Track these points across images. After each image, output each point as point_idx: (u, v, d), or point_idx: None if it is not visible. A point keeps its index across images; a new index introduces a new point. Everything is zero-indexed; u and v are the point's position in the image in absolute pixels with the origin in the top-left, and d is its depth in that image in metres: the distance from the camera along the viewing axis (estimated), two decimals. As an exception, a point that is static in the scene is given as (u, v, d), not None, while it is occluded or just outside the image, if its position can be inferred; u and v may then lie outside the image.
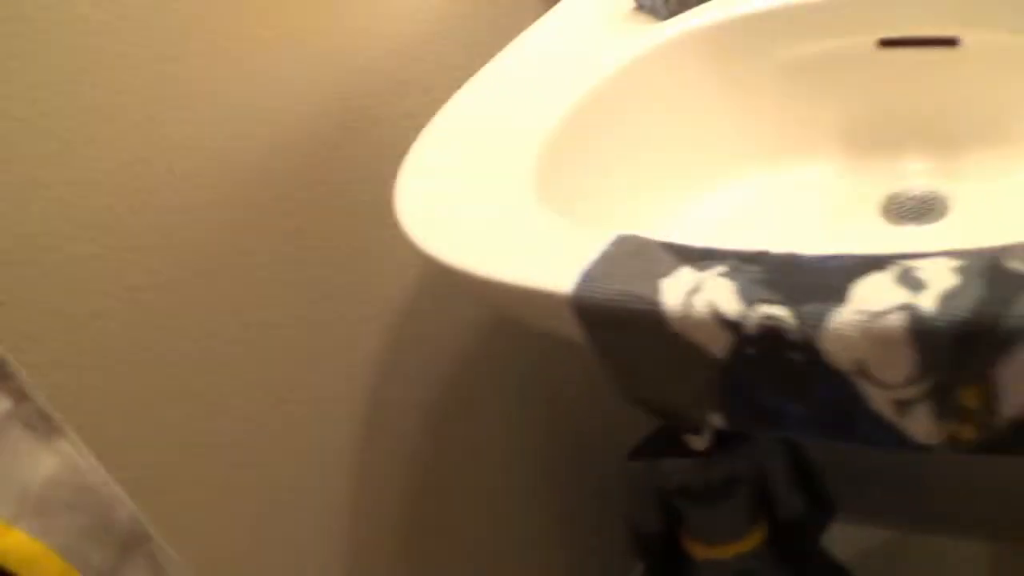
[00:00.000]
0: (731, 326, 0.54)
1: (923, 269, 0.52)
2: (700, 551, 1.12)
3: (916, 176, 0.88)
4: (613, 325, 0.58)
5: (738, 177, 0.89)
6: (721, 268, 0.56)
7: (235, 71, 0.77)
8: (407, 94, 0.92)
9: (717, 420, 0.60)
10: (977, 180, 0.85)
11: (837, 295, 0.52)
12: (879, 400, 0.53)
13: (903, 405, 0.53)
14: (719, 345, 0.55)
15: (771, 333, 0.53)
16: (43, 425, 0.54)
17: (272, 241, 0.82)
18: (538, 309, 0.63)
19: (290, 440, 0.85)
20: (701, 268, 0.57)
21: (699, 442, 1.03)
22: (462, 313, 1.03)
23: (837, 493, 1.19)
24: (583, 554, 1.29)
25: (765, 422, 0.58)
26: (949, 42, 0.85)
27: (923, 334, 0.50)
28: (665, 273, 0.57)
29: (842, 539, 1.27)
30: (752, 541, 1.10)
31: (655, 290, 0.56)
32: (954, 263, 0.52)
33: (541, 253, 0.64)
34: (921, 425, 0.54)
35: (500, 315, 0.76)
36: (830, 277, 0.53)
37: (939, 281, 0.51)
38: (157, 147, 0.72)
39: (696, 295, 0.55)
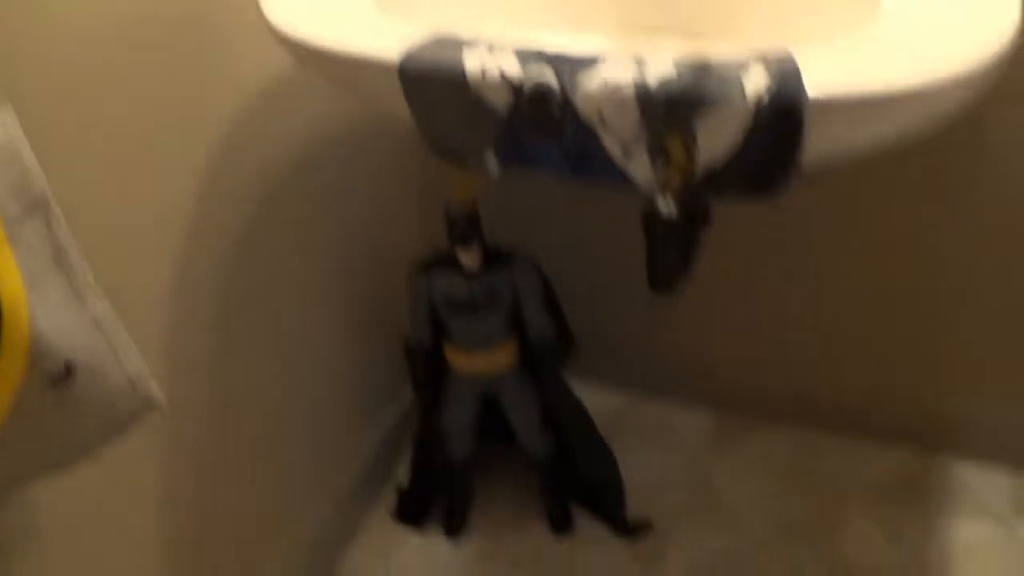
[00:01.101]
0: (513, 87, 0.74)
1: (652, 61, 0.73)
2: (458, 359, 1.31)
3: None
4: (425, 84, 0.78)
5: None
6: (510, 50, 0.76)
7: None
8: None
9: (491, 160, 0.80)
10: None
11: (590, 70, 0.73)
12: (611, 145, 0.74)
13: (628, 150, 0.74)
14: (503, 100, 0.75)
15: (540, 93, 0.74)
16: None
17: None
18: (371, 75, 0.81)
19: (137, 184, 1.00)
20: (495, 48, 0.77)
21: (469, 259, 1.23)
22: (294, 133, 1.20)
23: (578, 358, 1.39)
24: (367, 366, 1.48)
25: (527, 160, 0.79)
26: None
27: (643, 97, 0.71)
28: (468, 45, 0.77)
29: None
30: (504, 354, 1.31)
31: (459, 54, 0.76)
32: (674, 60, 0.74)
33: (377, 37, 0.83)
34: (641, 168, 0.75)
35: (340, 88, 0.92)
36: (587, 62, 0.74)
37: (661, 68, 0.72)
38: None
39: (489, 60, 0.75)
